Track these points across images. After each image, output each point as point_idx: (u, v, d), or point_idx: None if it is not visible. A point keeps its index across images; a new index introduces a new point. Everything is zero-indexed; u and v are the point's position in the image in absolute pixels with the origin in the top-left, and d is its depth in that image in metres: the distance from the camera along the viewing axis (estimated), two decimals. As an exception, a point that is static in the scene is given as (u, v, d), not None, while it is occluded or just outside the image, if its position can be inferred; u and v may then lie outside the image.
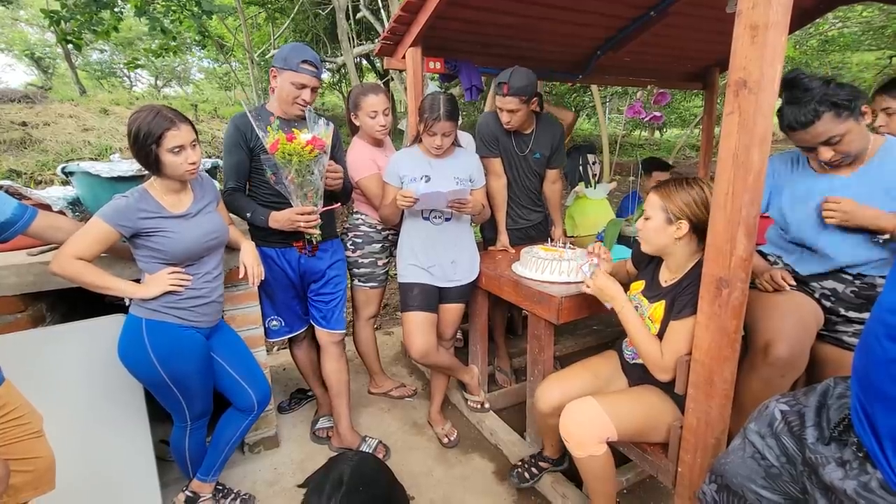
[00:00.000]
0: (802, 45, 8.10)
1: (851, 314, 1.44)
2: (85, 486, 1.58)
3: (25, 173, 5.56)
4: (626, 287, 1.64)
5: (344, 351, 2.10)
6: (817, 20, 3.50)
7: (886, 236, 1.33)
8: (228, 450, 1.69)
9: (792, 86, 1.36)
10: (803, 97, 1.33)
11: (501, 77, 2.07)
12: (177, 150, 1.38)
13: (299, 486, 1.88)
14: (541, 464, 1.84)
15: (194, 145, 1.43)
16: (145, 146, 1.35)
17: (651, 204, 1.44)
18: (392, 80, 7.71)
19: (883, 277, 1.41)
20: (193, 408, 1.58)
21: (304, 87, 1.76)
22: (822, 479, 0.88)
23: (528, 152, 2.30)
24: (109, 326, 1.53)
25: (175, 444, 1.65)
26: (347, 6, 6.91)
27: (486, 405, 2.28)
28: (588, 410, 1.39)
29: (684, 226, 1.37)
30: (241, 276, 1.64)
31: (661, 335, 1.39)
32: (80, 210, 1.78)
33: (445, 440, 2.14)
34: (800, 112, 1.33)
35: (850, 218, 1.35)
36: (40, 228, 1.41)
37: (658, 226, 1.41)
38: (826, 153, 1.37)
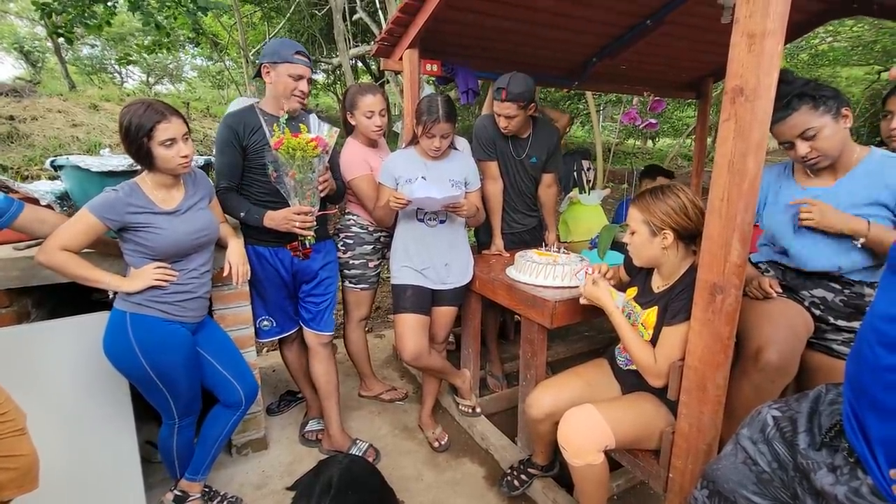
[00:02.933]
0: (793, 59, 8.25)
1: (841, 323, 1.46)
2: (68, 485, 1.55)
3: (11, 168, 5.46)
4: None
5: (333, 353, 2.08)
6: (808, 34, 3.57)
7: (863, 240, 1.34)
8: (216, 448, 1.66)
9: (778, 82, 1.39)
10: (783, 90, 1.35)
11: (500, 83, 2.07)
12: (168, 143, 1.37)
13: (288, 488, 1.85)
14: (530, 470, 1.83)
15: (186, 139, 1.42)
16: (137, 139, 1.34)
17: (633, 218, 1.44)
18: (388, 82, 7.71)
19: (871, 286, 1.43)
20: (180, 404, 1.55)
21: (301, 77, 1.76)
22: (813, 485, 0.89)
23: (525, 156, 2.31)
24: (96, 323, 1.50)
25: (163, 444, 1.62)
26: (344, 7, 6.91)
27: (478, 409, 2.27)
28: (588, 418, 1.39)
29: (669, 235, 1.38)
30: (225, 273, 1.62)
31: (654, 341, 1.40)
32: (68, 204, 1.75)
33: (436, 444, 2.13)
34: (779, 103, 1.35)
35: (823, 219, 1.35)
36: (26, 222, 1.38)
37: (644, 239, 1.42)
38: (802, 148, 1.37)
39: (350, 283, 2.22)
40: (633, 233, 1.45)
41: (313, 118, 1.77)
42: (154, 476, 1.83)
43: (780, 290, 1.46)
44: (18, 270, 1.51)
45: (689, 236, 1.40)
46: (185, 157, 1.41)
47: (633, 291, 1.57)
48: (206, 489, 1.76)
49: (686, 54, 3.23)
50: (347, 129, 2.17)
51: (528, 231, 2.48)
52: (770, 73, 1.02)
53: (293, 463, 2.03)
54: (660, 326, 1.39)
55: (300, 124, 1.69)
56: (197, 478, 1.67)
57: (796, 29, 2.84)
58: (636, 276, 1.62)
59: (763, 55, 1.00)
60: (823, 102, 1.32)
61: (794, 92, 1.34)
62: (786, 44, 1.34)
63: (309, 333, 2.01)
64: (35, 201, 1.64)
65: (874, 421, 0.79)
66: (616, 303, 1.51)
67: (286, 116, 1.69)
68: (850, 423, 0.84)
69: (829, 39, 7.91)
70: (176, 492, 1.68)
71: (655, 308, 1.43)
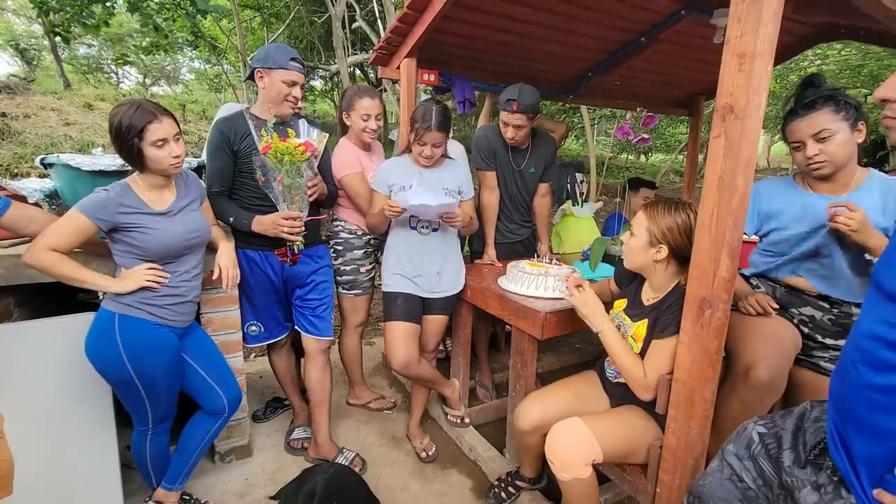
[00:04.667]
0: (783, 80, 8.42)
1: (828, 341, 1.47)
2: (44, 491, 1.51)
3: (1, 165, 5.40)
4: (608, 305, 1.65)
5: (329, 359, 2.06)
6: (798, 56, 3.65)
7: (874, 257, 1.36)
8: (196, 456, 1.62)
9: (807, 84, 1.44)
10: (811, 93, 1.40)
11: (510, 94, 2.10)
12: (160, 143, 1.36)
13: (271, 498, 1.82)
14: (518, 483, 1.81)
15: (177, 139, 1.41)
16: (128, 140, 1.33)
17: (639, 221, 1.44)
18: (385, 90, 7.76)
19: (859, 306, 1.45)
20: (157, 410, 1.52)
21: (294, 84, 1.77)
22: (797, 503, 0.88)
23: (524, 167, 2.34)
24: (79, 325, 1.47)
25: (136, 450, 1.58)
26: (344, 15, 6.97)
27: (467, 420, 2.25)
28: (575, 432, 1.38)
29: (664, 250, 1.38)
30: (214, 277, 1.60)
31: (643, 353, 1.40)
32: (56, 203, 1.72)
33: (423, 455, 2.10)
34: (804, 99, 1.39)
35: (859, 229, 1.32)
36: (13, 219, 1.36)
37: (641, 245, 1.42)
38: (812, 148, 1.39)
39: (343, 289, 2.21)
40: (633, 234, 1.45)
41: (303, 123, 1.77)
42: (133, 482, 1.79)
43: (777, 307, 1.47)
44: (2, 269, 1.48)
45: (685, 258, 1.39)
46: (177, 157, 1.41)
47: (622, 303, 1.58)
48: (186, 497, 1.73)
49: (679, 72, 3.28)
50: (342, 129, 2.18)
51: (522, 242, 2.49)
52: (759, 93, 1.04)
53: (277, 471, 1.99)
54: (649, 339, 1.39)
55: (288, 129, 1.69)
56: (173, 487, 1.62)
57: (786, 51, 2.90)
58: (626, 288, 1.62)
59: (753, 75, 1.02)
60: (846, 109, 1.35)
61: (822, 92, 1.38)
62: (775, 65, 1.37)
63: (308, 339, 1.98)
64: (23, 199, 1.62)
65: (857, 439, 0.79)
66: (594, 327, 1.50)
67: (274, 121, 1.70)
68: (833, 442, 0.84)
69: (818, 62, 8.09)
70: (151, 502, 1.63)
71: (645, 321, 1.43)
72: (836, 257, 1.44)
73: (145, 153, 1.36)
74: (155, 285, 1.42)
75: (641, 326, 1.43)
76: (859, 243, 1.37)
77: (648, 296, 1.49)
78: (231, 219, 1.77)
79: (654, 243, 1.39)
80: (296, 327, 2.03)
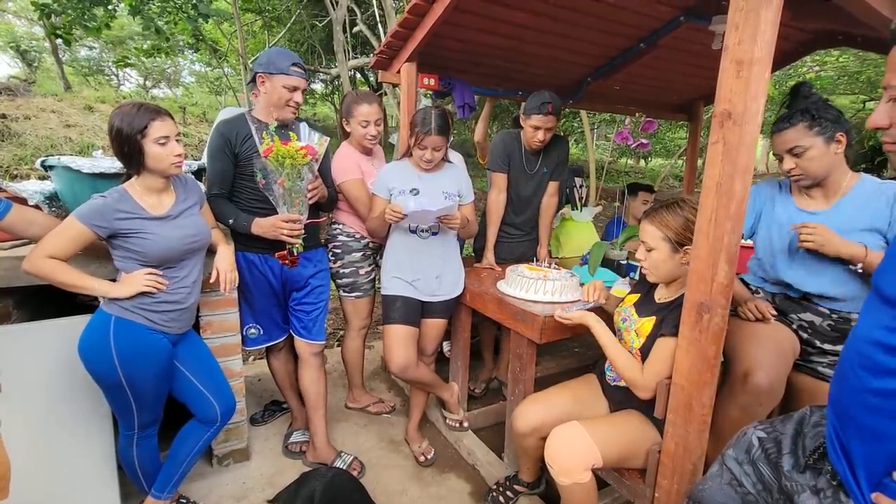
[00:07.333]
0: (782, 86, 8.46)
1: (827, 346, 1.47)
2: (41, 494, 1.50)
3: (1, 167, 5.41)
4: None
5: (323, 363, 2.06)
6: (796, 63, 3.68)
7: (861, 265, 1.36)
8: (187, 465, 1.61)
9: (795, 93, 1.44)
10: (795, 104, 1.39)
11: (542, 98, 2.15)
12: (162, 140, 1.37)
13: (269, 502, 1.82)
14: (516, 487, 1.81)
15: (178, 139, 1.43)
16: (130, 138, 1.33)
17: (650, 235, 1.42)
18: (385, 94, 7.79)
19: (858, 313, 1.45)
20: (143, 415, 1.51)
21: (295, 89, 1.78)
22: (797, 508, 0.88)
23: (538, 168, 2.37)
24: (78, 326, 1.46)
25: (123, 455, 1.56)
26: (345, 19, 7.00)
27: (465, 424, 2.25)
28: (575, 437, 1.38)
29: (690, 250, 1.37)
30: (212, 279, 1.60)
31: (643, 350, 1.40)
32: (56, 205, 1.72)
33: (422, 458, 2.10)
34: (783, 115, 1.40)
35: (824, 243, 1.36)
36: (13, 222, 1.36)
37: (665, 256, 1.40)
38: (787, 163, 1.43)
39: (344, 291, 2.21)
40: (649, 250, 1.42)
41: (304, 126, 1.78)
42: (130, 484, 1.78)
43: (776, 313, 1.48)
44: (2, 270, 1.48)
45: None
46: (179, 155, 1.42)
47: (633, 298, 1.58)
48: (183, 501, 1.72)
49: (678, 78, 3.30)
50: (343, 135, 2.19)
51: (524, 244, 2.51)
52: (757, 99, 1.04)
53: (275, 475, 1.99)
54: (654, 337, 1.39)
55: (290, 132, 1.70)
56: (163, 495, 1.60)
57: (784, 57, 2.92)
58: (639, 283, 1.62)
59: (751, 81, 1.02)
60: (820, 124, 1.36)
61: (800, 107, 1.38)
62: (773, 71, 1.38)
63: (300, 343, 1.98)
64: (23, 201, 1.61)
65: (857, 444, 0.79)
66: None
67: (276, 124, 1.70)
68: (833, 446, 0.85)
69: (816, 69, 8.14)
70: None
71: (653, 318, 1.43)
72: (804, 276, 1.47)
73: (147, 151, 1.36)
74: (154, 290, 1.42)
75: (648, 323, 1.43)
76: (834, 256, 1.38)
77: (662, 294, 1.49)
78: (230, 221, 1.77)
79: (678, 249, 1.38)
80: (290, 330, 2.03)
